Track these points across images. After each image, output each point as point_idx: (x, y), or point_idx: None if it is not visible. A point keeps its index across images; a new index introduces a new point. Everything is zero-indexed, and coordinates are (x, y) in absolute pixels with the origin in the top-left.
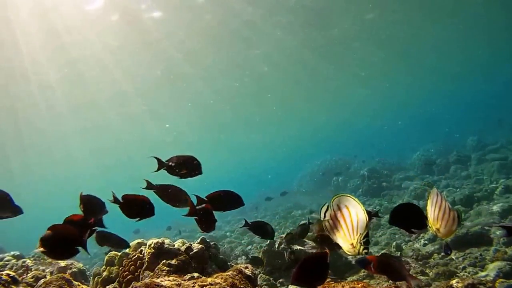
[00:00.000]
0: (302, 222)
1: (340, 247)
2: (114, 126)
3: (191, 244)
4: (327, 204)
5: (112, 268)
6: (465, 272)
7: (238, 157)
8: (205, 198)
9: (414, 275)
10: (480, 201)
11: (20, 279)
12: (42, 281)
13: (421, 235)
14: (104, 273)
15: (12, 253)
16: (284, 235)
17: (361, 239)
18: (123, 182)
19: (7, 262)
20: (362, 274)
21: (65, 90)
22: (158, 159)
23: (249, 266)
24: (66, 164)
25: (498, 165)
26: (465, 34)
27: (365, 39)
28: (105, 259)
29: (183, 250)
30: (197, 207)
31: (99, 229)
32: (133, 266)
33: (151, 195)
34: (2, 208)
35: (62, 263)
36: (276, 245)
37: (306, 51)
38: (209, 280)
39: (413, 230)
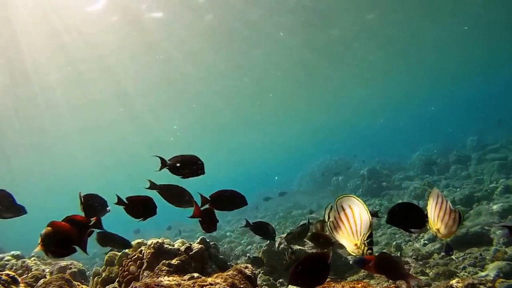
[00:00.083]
0: (302, 222)
1: (333, 246)
2: (114, 126)
3: (191, 244)
4: (330, 205)
5: (112, 268)
6: (465, 272)
7: (238, 157)
8: (208, 198)
9: (413, 274)
10: (480, 201)
11: (20, 279)
12: (42, 281)
13: (421, 235)
14: (104, 273)
15: (12, 253)
16: (284, 235)
17: (365, 239)
18: (123, 182)
19: (6, 262)
20: (362, 274)
21: (65, 90)
22: (161, 158)
23: (249, 266)
24: (67, 164)
25: (498, 165)
26: (465, 34)
27: (365, 39)
28: (105, 259)
29: (183, 250)
30: (201, 209)
31: (97, 230)
32: (133, 266)
33: (152, 195)
34: (5, 208)
35: (62, 263)
36: (276, 245)
37: (306, 51)
38: (209, 280)
39: (411, 229)
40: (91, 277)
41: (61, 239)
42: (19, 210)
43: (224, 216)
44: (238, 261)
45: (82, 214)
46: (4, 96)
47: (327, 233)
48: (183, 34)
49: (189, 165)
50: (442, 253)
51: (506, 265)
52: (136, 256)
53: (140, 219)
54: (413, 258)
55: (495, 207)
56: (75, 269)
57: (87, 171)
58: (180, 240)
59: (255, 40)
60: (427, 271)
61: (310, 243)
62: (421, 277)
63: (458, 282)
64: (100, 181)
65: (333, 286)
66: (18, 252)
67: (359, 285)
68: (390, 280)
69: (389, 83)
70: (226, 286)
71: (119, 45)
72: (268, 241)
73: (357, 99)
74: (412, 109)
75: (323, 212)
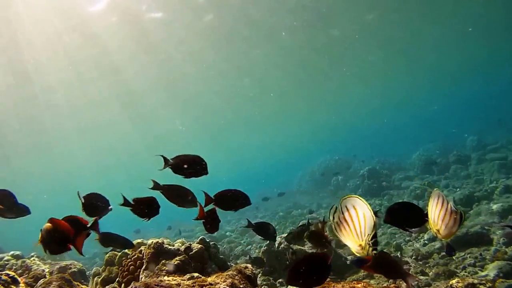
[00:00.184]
0: (302, 222)
1: (330, 245)
2: (114, 126)
3: (191, 244)
4: (335, 206)
5: (111, 268)
6: (465, 272)
7: (238, 157)
8: (213, 197)
9: (412, 273)
10: (480, 201)
11: (20, 279)
12: (42, 281)
13: (421, 235)
14: (104, 273)
15: (11, 253)
16: (285, 235)
17: (369, 240)
18: (123, 182)
19: (6, 262)
20: (362, 274)
21: (66, 90)
22: (164, 158)
23: (249, 266)
24: (67, 164)
25: (498, 165)
26: (465, 34)
27: (365, 39)
28: (104, 259)
29: (182, 250)
30: (204, 210)
31: (98, 232)
32: (132, 266)
33: (152, 194)
34: (7, 208)
35: (62, 263)
36: (276, 245)
37: (306, 51)
38: (209, 280)
39: (408, 229)
40: (91, 277)
41: (59, 237)
42: (23, 210)
43: (224, 216)
44: (238, 261)
45: (84, 213)
46: (5, 96)
47: (326, 233)
48: (183, 34)
49: (192, 165)
50: (442, 253)
51: (506, 265)
52: (136, 256)
53: (145, 219)
54: (413, 258)
55: (495, 207)
56: (75, 269)
57: (87, 171)
58: (180, 240)
59: (255, 40)
60: (427, 271)
61: (316, 246)
62: (421, 277)
63: (458, 282)
64: (100, 181)
65: (333, 286)
66: (18, 252)
67: (359, 285)
68: (390, 280)
69: (389, 83)
70: (226, 286)
71: (120, 45)
72: (268, 241)
73: (357, 99)
74: (412, 109)
75: (323, 212)
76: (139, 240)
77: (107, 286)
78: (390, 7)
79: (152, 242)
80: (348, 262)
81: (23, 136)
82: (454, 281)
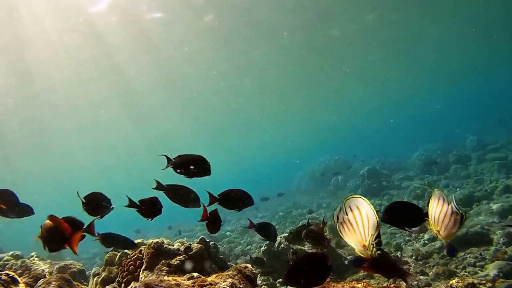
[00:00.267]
0: (302, 222)
1: (329, 243)
2: (114, 126)
3: (191, 244)
4: (339, 207)
5: (111, 268)
6: (465, 271)
7: (238, 157)
8: (217, 196)
9: (410, 272)
10: (480, 201)
11: (19, 279)
12: (42, 281)
13: (421, 234)
14: (104, 273)
15: (11, 253)
16: (287, 235)
17: (373, 240)
18: (123, 182)
19: (6, 262)
20: (362, 274)
21: (67, 90)
22: (167, 157)
23: (249, 266)
24: (67, 164)
25: (498, 164)
26: (465, 34)
27: (365, 39)
28: (104, 259)
29: (182, 250)
30: (208, 211)
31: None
32: (132, 266)
33: (152, 194)
34: (10, 208)
35: (62, 263)
36: (276, 245)
37: (306, 51)
38: (209, 280)
39: (406, 228)
40: (90, 277)
41: (57, 235)
42: (26, 210)
43: (224, 216)
44: (238, 261)
45: (84, 213)
46: (6, 96)
47: (326, 233)
48: (183, 34)
49: (196, 165)
50: (442, 253)
51: (506, 265)
52: (135, 256)
53: (149, 219)
54: (413, 258)
55: (495, 206)
56: (75, 269)
57: (87, 171)
58: (179, 240)
59: (255, 40)
60: (427, 271)
61: (313, 245)
62: (421, 277)
63: (458, 282)
64: (100, 181)
65: (333, 286)
66: (17, 252)
67: (359, 285)
68: (390, 280)
69: (389, 83)
70: (226, 286)
71: (120, 45)
72: (268, 241)
73: (357, 99)
74: (412, 109)
75: (323, 212)
76: (139, 240)
77: (107, 286)
78: (390, 7)
79: (152, 242)
80: (345, 262)
81: (23, 136)
82: (454, 281)
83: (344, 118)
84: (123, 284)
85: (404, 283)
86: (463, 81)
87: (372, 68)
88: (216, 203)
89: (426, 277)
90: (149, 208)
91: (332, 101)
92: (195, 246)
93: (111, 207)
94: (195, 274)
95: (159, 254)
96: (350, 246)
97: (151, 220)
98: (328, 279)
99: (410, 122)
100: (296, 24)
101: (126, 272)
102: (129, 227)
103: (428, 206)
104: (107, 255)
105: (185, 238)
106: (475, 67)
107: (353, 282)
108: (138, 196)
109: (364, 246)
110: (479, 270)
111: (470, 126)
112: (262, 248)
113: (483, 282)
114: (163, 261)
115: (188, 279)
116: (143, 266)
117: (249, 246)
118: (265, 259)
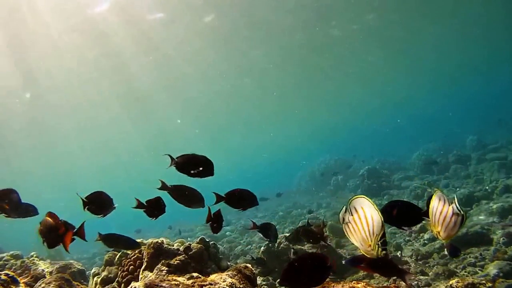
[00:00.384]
0: (302, 223)
1: (326, 241)
2: (114, 126)
3: (190, 244)
4: (344, 207)
5: (111, 268)
6: (465, 271)
7: (238, 157)
8: (224, 196)
9: (408, 271)
10: (480, 201)
11: (19, 279)
12: (41, 281)
13: (421, 234)
14: (103, 273)
15: (11, 252)
16: (287, 235)
17: (378, 240)
18: (123, 182)
19: (6, 262)
20: (362, 274)
21: (68, 90)
22: (171, 157)
23: (249, 266)
24: (67, 164)
25: (498, 164)
26: (465, 34)
27: (365, 39)
28: (104, 259)
29: (182, 250)
30: (211, 212)
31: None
32: (132, 266)
33: (152, 194)
34: (11, 208)
35: (62, 263)
36: (276, 245)
37: (306, 51)
38: (209, 279)
39: (404, 227)
40: (90, 277)
41: (54, 231)
42: (30, 210)
43: (224, 215)
44: (238, 261)
45: (84, 213)
46: (6, 97)
47: (326, 233)
48: (183, 34)
49: (199, 165)
50: (442, 253)
51: (506, 265)
52: (135, 256)
53: (153, 218)
54: (413, 258)
55: (495, 206)
56: (74, 269)
57: (87, 170)
58: (179, 240)
59: (255, 40)
60: (427, 271)
61: (310, 243)
62: (421, 277)
63: (458, 282)
64: (100, 181)
65: (333, 286)
66: (17, 252)
67: (359, 285)
68: (390, 280)
69: (389, 83)
70: (225, 286)
71: (120, 46)
72: (269, 241)
73: (357, 99)
74: (412, 109)
75: (323, 212)
76: (139, 240)
77: (106, 286)
78: (390, 7)
79: (152, 242)
80: (343, 262)
81: (23, 136)
82: (454, 281)
83: (344, 118)
84: (123, 284)
85: (404, 283)
86: (463, 81)
87: (372, 68)
88: (222, 202)
89: (426, 277)
90: (154, 208)
91: (332, 101)
92: (195, 246)
93: (114, 206)
94: (195, 274)
95: (159, 254)
96: (350, 246)
97: (155, 219)
98: (328, 279)
99: (410, 122)
100: (296, 24)
101: (126, 272)
102: (129, 227)
103: (428, 206)
104: (107, 255)
105: (188, 239)
106: (475, 67)
107: (353, 282)
108: (138, 196)
109: (369, 246)
110: (479, 270)
111: (470, 126)
112: (262, 248)
113: (483, 282)
114: (163, 261)
115: (188, 279)
116: (143, 266)
117: (249, 246)
118: (265, 259)
